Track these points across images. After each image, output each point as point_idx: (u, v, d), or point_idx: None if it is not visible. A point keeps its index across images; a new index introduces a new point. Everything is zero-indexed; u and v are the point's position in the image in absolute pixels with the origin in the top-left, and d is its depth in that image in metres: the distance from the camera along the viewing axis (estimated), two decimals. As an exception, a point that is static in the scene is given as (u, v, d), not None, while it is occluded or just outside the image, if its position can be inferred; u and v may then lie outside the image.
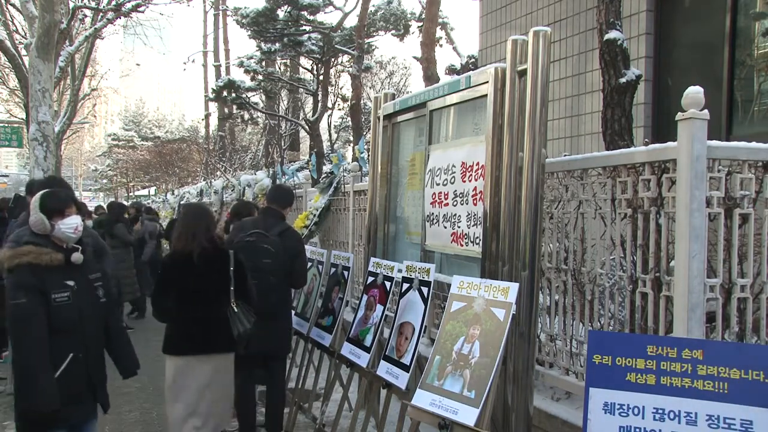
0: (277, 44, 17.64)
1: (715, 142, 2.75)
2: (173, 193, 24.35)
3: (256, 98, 20.79)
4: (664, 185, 2.87)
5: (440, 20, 16.17)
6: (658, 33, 6.22)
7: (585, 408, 2.37)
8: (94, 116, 39.77)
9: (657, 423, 2.25)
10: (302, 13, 17.08)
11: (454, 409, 2.73)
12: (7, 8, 16.52)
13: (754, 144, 2.86)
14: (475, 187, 3.34)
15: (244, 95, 18.67)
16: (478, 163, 3.33)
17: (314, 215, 7.38)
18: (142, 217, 10.38)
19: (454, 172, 3.56)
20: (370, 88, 21.87)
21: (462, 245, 3.48)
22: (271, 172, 12.27)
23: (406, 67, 24.24)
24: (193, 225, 3.78)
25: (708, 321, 2.77)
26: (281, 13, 17.15)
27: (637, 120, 5.87)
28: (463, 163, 3.48)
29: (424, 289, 3.46)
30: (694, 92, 2.70)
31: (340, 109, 21.86)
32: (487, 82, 3.25)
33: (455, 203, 3.54)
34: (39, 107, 9.99)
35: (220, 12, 26.60)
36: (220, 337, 3.70)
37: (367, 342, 3.84)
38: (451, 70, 15.25)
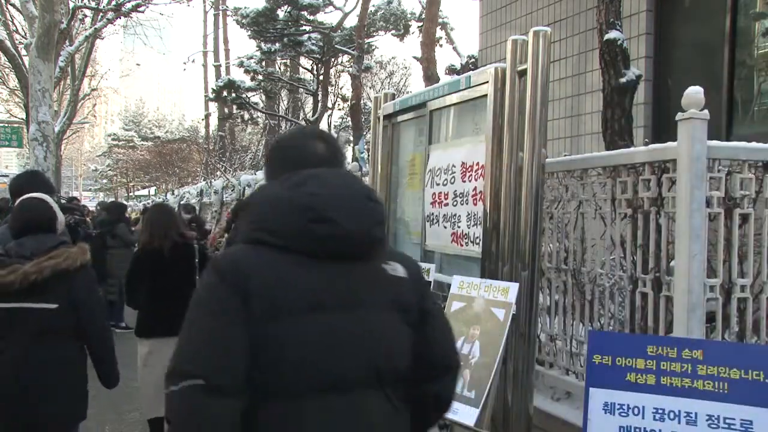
0: (277, 44, 17.65)
1: (715, 142, 2.75)
2: (173, 193, 24.35)
3: (256, 98, 20.80)
4: (664, 185, 2.87)
5: (440, 20, 16.17)
6: (658, 33, 6.22)
7: (585, 408, 2.37)
8: (94, 116, 39.77)
9: (657, 423, 2.25)
10: (302, 13, 17.09)
11: (454, 409, 2.72)
12: (7, 8, 16.51)
13: (754, 144, 2.85)
14: (475, 187, 3.34)
15: (244, 95, 18.68)
16: (478, 163, 3.33)
17: (314, 215, 7.38)
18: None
19: (454, 172, 3.55)
20: (370, 88, 21.87)
21: (462, 245, 3.48)
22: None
23: (406, 67, 24.29)
24: (164, 223, 4.27)
25: (708, 321, 2.77)
26: (281, 13, 17.16)
27: (637, 120, 5.87)
28: (463, 163, 3.48)
29: (424, 289, 3.45)
30: (694, 92, 2.70)
31: (340, 109, 21.89)
32: (487, 82, 3.25)
33: (455, 203, 3.54)
34: (39, 107, 9.99)
35: (220, 12, 26.57)
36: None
37: (367, 342, 3.84)
38: (451, 70, 15.25)
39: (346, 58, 18.88)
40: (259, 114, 21.82)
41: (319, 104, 18.13)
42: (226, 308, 1.30)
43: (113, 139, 43.15)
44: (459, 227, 3.50)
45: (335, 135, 22.02)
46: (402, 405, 1.43)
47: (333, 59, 18.84)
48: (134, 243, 8.90)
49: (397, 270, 1.47)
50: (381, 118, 4.59)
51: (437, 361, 1.50)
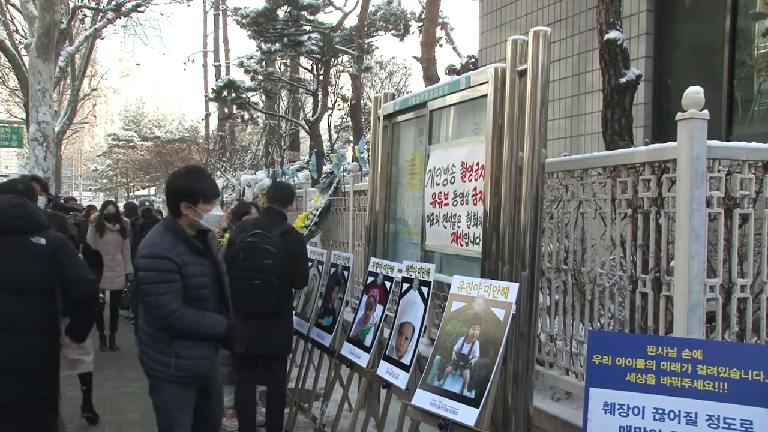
0: (277, 44, 17.62)
1: (715, 142, 2.75)
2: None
3: (256, 98, 20.77)
4: (664, 185, 2.87)
5: (440, 20, 16.16)
6: (658, 33, 6.22)
7: (585, 408, 2.37)
8: (94, 116, 39.77)
9: (657, 423, 2.25)
10: (302, 13, 17.07)
11: (454, 409, 2.73)
12: (7, 8, 16.51)
13: (754, 144, 2.86)
14: (475, 187, 3.34)
15: (244, 95, 18.65)
16: (478, 163, 3.33)
17: (314, 215, 7.38)
18: None
19: (454, 172, 3.56)
20: (370, 88, 21.87)
21: (462, 245, 3.48)
22: (271, 172, 12.27)
23: (406, 67, 24.23)
24: None
25: (708, 321, 2.77)
26: (281, 13, 17.14)
27: (637, 120, 5.87)
28: (463, 163, 3.48)
29: (424, 289, 3.45)
30: (694, 92, 2.70)
31: (340, 109, 21.87)
32: (487, 82, 3.25)
33: (455, 203, 3.54)
34: (39, 107, 9.99)
35: (220, 12, 26.57)
36: None
37: (367, 342, 3.84)
38: (451, 70, 15.26)
39: (346, 58, 18.85)
40: (259, 114, 21.80)
41: (319, 104, 18.11)
42: None
43: (113, 139, 43.08)
44: (459, 227, 3.50)
45: (335, 135, 22.02)
46: (42, 305, 3.14)
47: (333, 59, 18.80)
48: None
49: (40, 240, 3.11)
50: (381, 118, 4.59)
51: (69, 288, 3.25)
